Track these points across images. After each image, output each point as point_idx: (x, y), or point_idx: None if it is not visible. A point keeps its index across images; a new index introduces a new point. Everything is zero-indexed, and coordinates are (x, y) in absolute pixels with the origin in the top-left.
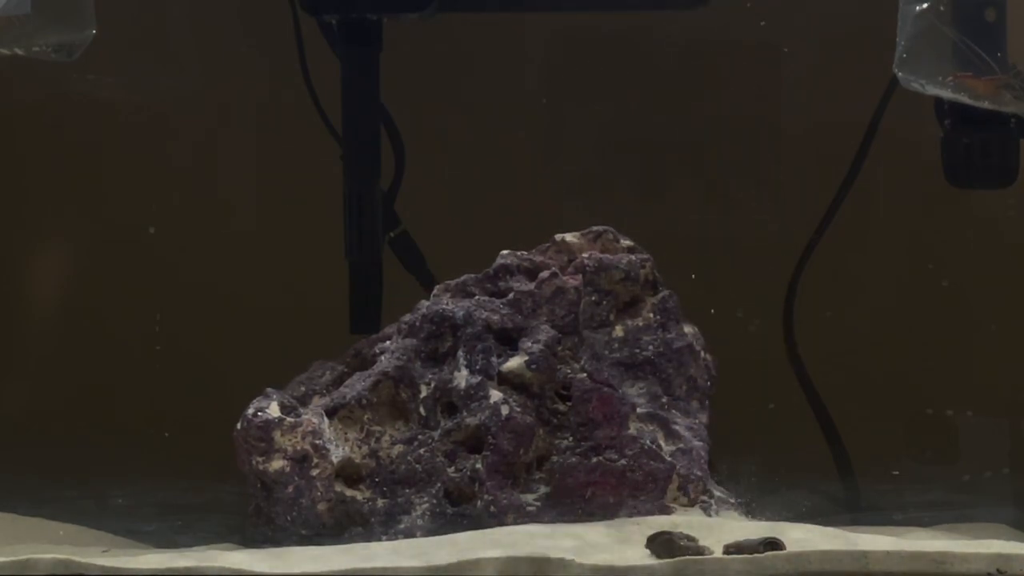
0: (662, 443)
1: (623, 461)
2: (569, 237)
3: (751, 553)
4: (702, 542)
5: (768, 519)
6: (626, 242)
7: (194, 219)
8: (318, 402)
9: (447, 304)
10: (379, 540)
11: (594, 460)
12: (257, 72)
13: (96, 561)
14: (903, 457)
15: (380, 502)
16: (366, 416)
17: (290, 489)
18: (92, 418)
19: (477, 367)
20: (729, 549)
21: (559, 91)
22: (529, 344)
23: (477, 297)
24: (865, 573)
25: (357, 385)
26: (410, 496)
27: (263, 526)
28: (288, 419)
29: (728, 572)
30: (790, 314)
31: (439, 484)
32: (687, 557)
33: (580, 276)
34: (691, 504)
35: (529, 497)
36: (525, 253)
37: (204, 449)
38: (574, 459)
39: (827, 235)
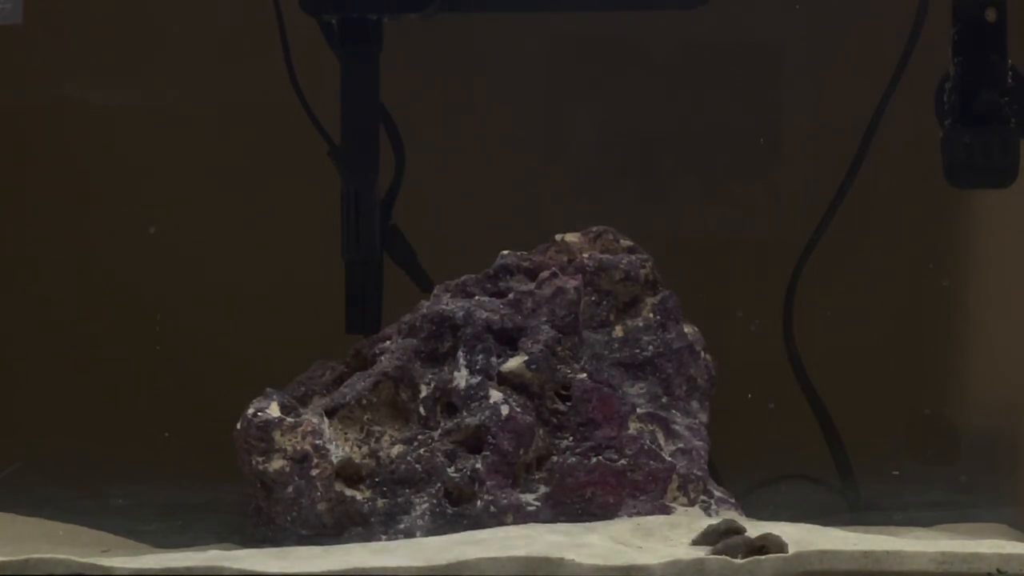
0: (662, 443)
1: (623, 461)
2: (569, 237)
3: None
4: None
5: (768, 519)
6: (626, 242)
7: (194, 218)
8: (318, 402)
9: (447, 304)
10: (379, 540)
11: (594, 460)
12: (254, 70)
13: (96, 561)
14: (903, 457)
15: (380, 502)
16: (366, 416)
17: (290, 489)
18: (92, 418)
19: (477, 367)
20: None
21: (559, 91)
22: (529, 344)
23: (477, 297)
24: (865, 573)
25: (357, 385)
26: (410, 496)
27: (263, 526)
28: (288, 419)
29: (728, 572)
30: (790, 314)
31: (439, 484)
32: (689, 558)
33: (580, 276)
34: (691, 504)
35: (529, 497)
36: (525, 253)
37: (204, 449)
38: (574, 459)
39: (827, 235)
